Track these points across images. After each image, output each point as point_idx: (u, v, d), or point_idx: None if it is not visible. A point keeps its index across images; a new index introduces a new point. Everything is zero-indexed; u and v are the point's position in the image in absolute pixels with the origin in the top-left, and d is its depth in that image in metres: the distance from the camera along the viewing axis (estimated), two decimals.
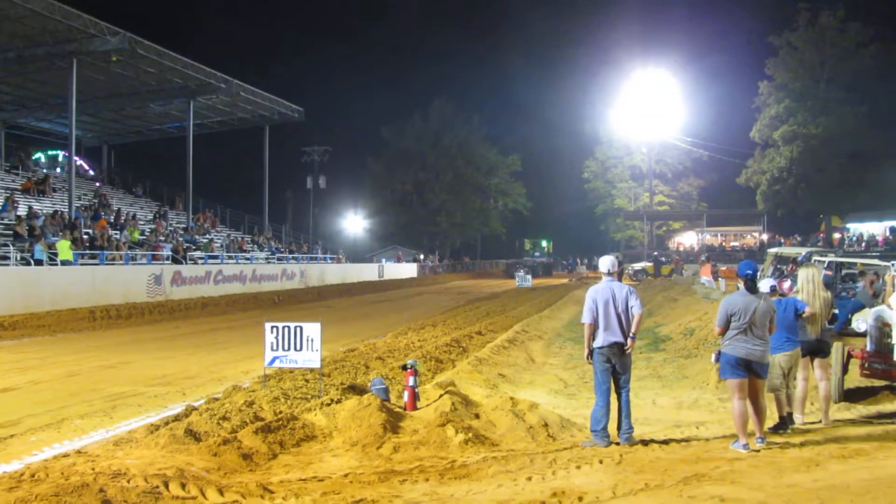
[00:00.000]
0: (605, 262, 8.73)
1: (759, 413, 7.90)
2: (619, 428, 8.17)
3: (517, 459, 7.38)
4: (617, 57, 75.54)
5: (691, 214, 75.30)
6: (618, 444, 8.01)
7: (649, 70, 70.82)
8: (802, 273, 9.31)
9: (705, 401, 11.17)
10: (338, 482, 6.72)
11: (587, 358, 8.49)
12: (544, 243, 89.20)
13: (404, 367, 9.83)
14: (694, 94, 70.55)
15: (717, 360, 8.10)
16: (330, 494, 6.36)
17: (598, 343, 8.30)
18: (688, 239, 72.17)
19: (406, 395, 9.61)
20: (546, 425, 8.89)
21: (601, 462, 7.19)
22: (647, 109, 70.95)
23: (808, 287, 9.07)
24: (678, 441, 8.20)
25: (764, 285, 9.12)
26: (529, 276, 51.18)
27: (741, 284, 8.04)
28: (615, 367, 8.27)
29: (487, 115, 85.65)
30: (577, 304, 29.05)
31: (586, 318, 8.39)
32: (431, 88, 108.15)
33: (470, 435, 8.24)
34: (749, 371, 7.80)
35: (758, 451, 7.53)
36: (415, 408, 9.47)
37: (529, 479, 6.69)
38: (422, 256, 74.19)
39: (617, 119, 75.44)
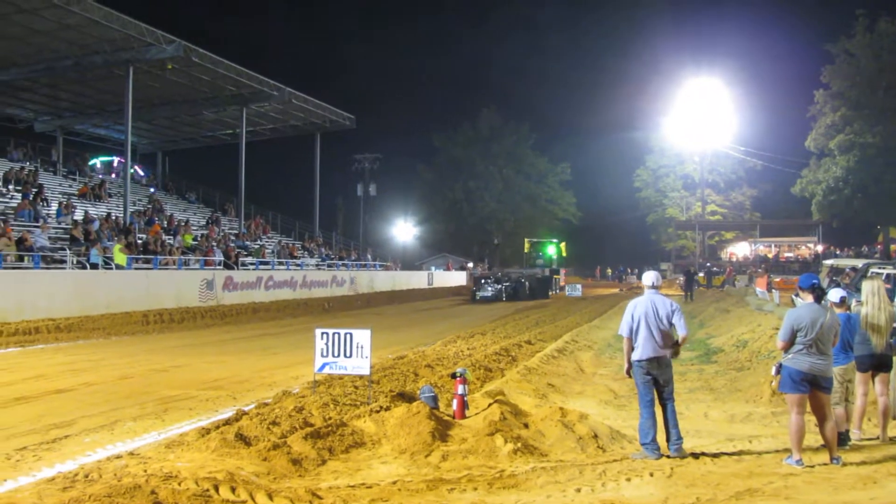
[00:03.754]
0: (649, 277, 8.69)
1: (830, 431, 7.67)
2: (667, 440, 8.06)
3: (566, 470, 7.31)
4: (669, 65, 75.16)
5: (744, 224, 74.49)
6: (668, 456, 7.90)
7: (702, 78, 70.13)
8: (867, 286, 9.09)
9: (758, 414, 10.98)
10: (386, 489, 6.72)
11: (626, 373, 8.44)
12: (550, 248, 57.99)
13: (454, 376, 9.80)
14: (747, 103, 69.65)
15: (778, 372, 7.92)
16: (378, 502, 6.36)
17: (637, 356, 8.21)
18: (741, 249, 71.26)
19: (455, 403, 9.58)
20: (596, 436, 8.80)
21: (651, 475, 7.10)
22: (699, 118, 70.22)
23: (873, 300, 8.86)
24: (730, 455, 8.04)
25: (834, 295, 8.95)
26: (579, 286, 49.97)
27: (798, 297, 7.90)
28: (657, 380, 8.19)
29: (537, 123, 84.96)
30: None
31: (623, 332, 8.36)
32: (481, 96, 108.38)
33: (519, 445, 8.19)
34: (814, 386, 7.62)
35: (812, 467, 7.37)
36: (464, 416, 9.44)
37: (579, 490, 6.64)
38: (470, 265, 74.12)
39: (669, 127, 74.77)
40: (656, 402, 8.19)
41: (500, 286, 42.34)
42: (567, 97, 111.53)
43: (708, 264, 60.07)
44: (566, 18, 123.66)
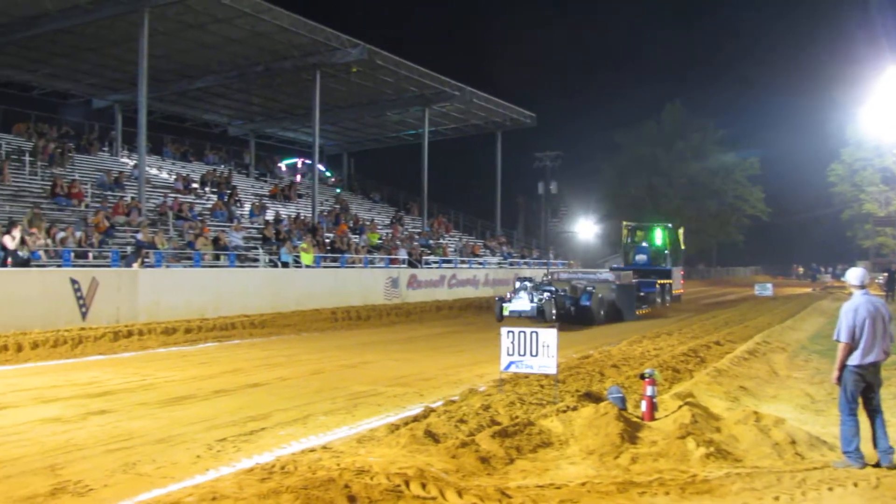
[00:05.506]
0: (857, 275, 7.96)
1: None
2: (876, 448, 7.56)
3: (763, 477, 7.02)
4: (866, 52, 70.41)
5: None
6: (873, 466, 7.44)
7: None
8: None
9: None
10: (575, 490, 6.67)
11: (836, 380, 7.81)
12: (658, 234, 36.60)
13: (642, 377, 9.63)
14: None
15: None
16: (567, 503, 6.32)
17: (857, 361, 7.62)
18: None
19: (644, 404, 9.41)
20: (793, 442, 8.39)
21: (856, 485, 6.69)
22: None
23: None
24: None
25: None
26: (770, 286, 47.22)
27: None
28: (871, 386, 7.66)
29: (723, 117, 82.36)
30: (822, 316, 27.48)
31: (844, 337, 7.66)
32: (665, 90, 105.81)
33: (711, 449, 7.93)
34: None
35: None
36: (653, 418, 9.26)
37: (777, 498, 6.37)
38: None
39: (866, 118, 70.35)
40: (860, 409, 7.72)
41: (544, 297, 23.06)
42: (755, 88, 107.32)
43: None
44: (752, 8, 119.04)
